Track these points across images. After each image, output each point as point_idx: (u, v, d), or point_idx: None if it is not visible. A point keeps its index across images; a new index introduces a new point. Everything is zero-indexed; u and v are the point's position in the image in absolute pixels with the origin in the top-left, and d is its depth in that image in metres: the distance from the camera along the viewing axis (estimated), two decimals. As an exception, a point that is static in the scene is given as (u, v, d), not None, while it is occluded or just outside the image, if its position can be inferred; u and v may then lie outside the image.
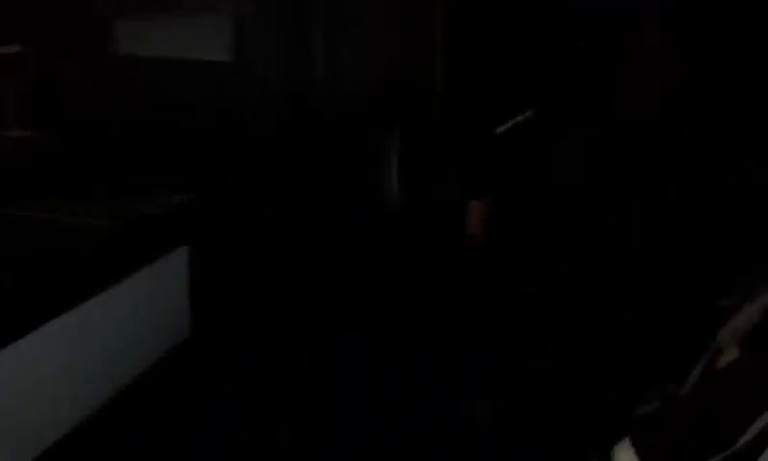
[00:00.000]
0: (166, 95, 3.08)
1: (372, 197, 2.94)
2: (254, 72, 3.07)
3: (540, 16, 2.90)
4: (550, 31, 2.89)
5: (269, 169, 3.01)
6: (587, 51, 2.87)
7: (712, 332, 1.84)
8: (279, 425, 2.48)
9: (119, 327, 2.40)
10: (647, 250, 2.77)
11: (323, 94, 3.03)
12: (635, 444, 1.66)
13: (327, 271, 2.91)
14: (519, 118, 2.99)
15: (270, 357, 2.76)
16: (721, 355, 1.77)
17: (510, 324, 2.83)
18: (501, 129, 2.95)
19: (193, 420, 2.45)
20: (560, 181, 2.97)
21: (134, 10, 3.11)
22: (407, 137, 2.93)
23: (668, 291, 2.66)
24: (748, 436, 1.52)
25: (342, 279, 2.92)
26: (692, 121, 2.70)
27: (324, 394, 2.62)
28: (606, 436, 1.77)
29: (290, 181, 3.00)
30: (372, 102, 2.93)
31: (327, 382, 2.67)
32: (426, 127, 2.96)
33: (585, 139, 2.95)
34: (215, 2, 3.05)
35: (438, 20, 2.92)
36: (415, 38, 2.93)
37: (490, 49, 2.89)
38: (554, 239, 2.90)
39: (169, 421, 2.41)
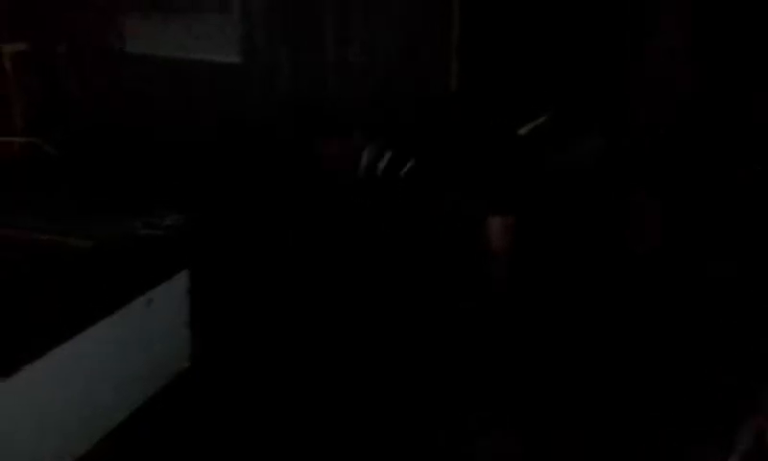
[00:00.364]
0: (170, 99, 3.02)
1: (385, 211, 2.83)
2: (263, 76, 2.98)
3: (554, 16, 2.80)
4: (564, 30, 2.80)
5: (274, 183, 2.91)
6: (601, 51, 2.78)
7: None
8: (282, 454, 2.41)
9: (115, 357, 2.30)
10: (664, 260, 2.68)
11: (334, 99, 2.94)
12: None
13: (335, 294, 2.80)
14: (537, 122, 2.87)
15: (272, 384, 2.66)
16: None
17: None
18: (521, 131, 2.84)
19: (194, 450, 2.37)
20: (575, 188, 2.84)
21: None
22: (422, 144, 2.82)
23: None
24: None
25: (349, 299, 2.81)
26: (706, 123, 2.65)
27: (327, 422, 2.54)
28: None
29: (297, 196, 2.90)
30: (385, 107, 2.83)
31: (331, 410, 2.59)
32: (443, 132, 2.85)
33: (599, 144, 2.83)
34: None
35: (453, 20, 2.83)
36: (430, 36, 2.86)
37: (506, 49, 2.82)
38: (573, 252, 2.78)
39: (169, 452, 2.33)
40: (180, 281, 2.51)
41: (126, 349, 2.34)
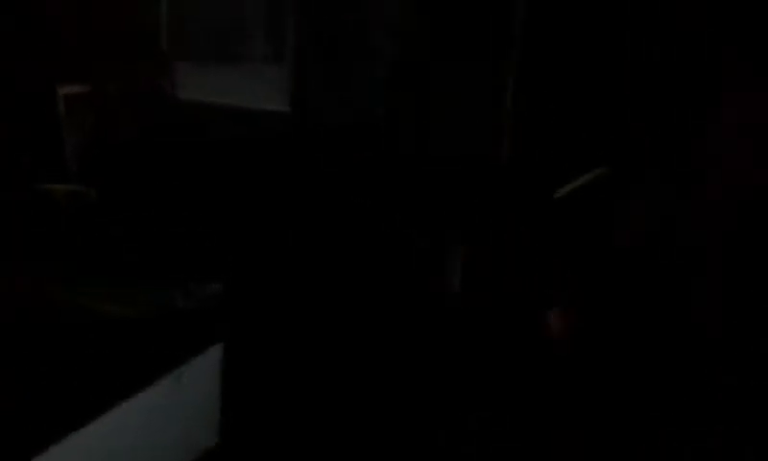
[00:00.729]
0: (219, 145, 3.00)
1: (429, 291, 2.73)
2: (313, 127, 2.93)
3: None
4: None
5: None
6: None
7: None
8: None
9: (142, 433, 2.19)
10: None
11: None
12: None
13: (375, 378, 2.70)
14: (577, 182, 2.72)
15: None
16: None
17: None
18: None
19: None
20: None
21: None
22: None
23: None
24: None
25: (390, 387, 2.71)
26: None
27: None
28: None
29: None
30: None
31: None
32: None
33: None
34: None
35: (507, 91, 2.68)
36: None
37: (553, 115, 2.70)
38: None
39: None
40: (214, 355, 2.42)
41: (152, 425, 2.23)
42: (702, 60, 2.50)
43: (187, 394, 2.33)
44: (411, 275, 2.93)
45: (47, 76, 3.02)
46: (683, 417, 2.43)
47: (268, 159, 3.06)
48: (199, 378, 2.37)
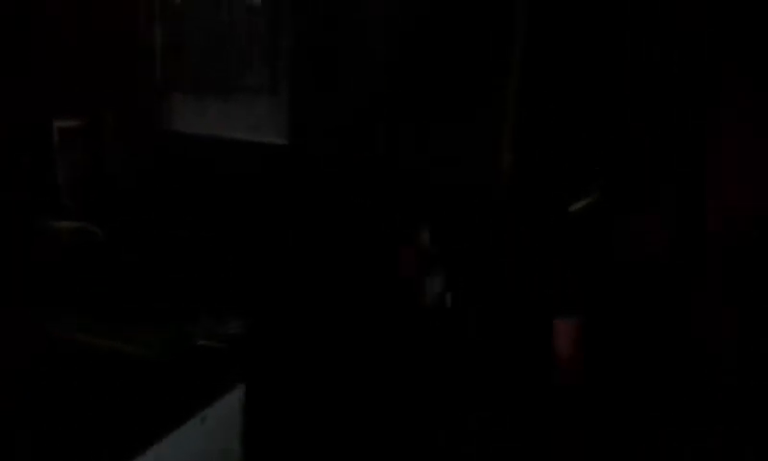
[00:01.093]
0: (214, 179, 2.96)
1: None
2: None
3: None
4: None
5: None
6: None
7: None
8: None
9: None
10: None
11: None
12: None
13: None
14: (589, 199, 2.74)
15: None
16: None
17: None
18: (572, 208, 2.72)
19: None
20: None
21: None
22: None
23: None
24: None
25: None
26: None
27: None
28: None
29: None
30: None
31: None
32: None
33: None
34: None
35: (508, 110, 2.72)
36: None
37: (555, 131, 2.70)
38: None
39: None
40: (236, 396, 2.40)
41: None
42: (702, 85, 2.55)
43: (209, 436, 2.32)
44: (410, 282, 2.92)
45: (41, 108, 2.96)
46: (683, 417, 2.47)
47: (268, 192, 3.04)
48: (220, 420, 2.36)
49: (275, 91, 3.03)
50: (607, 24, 2.62)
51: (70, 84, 3.05)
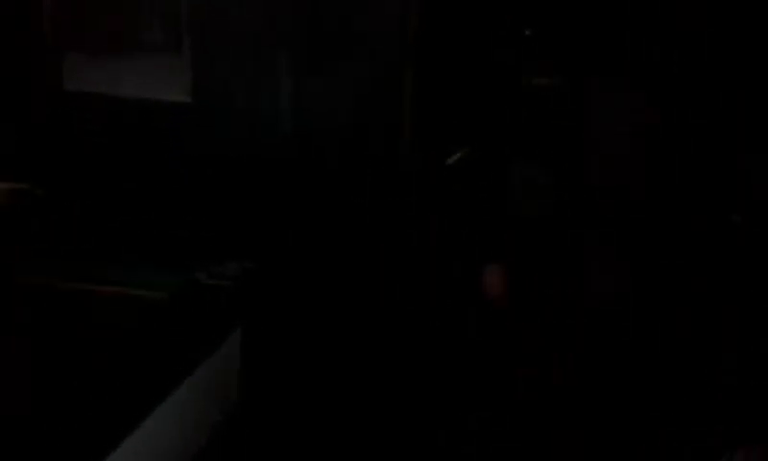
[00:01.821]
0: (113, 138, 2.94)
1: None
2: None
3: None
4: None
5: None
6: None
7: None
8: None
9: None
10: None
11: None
12: None
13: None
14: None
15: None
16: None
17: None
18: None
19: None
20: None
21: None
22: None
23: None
24: None
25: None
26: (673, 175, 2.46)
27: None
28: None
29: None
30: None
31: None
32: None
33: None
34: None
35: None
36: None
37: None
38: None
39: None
40: (234, 340, 2.42)
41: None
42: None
43: (209, 385, 2.36)
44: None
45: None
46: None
47: (171, 151, 3.03)
48: (219, 369, 2.39)
49: (178, 48, 2.96)
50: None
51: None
